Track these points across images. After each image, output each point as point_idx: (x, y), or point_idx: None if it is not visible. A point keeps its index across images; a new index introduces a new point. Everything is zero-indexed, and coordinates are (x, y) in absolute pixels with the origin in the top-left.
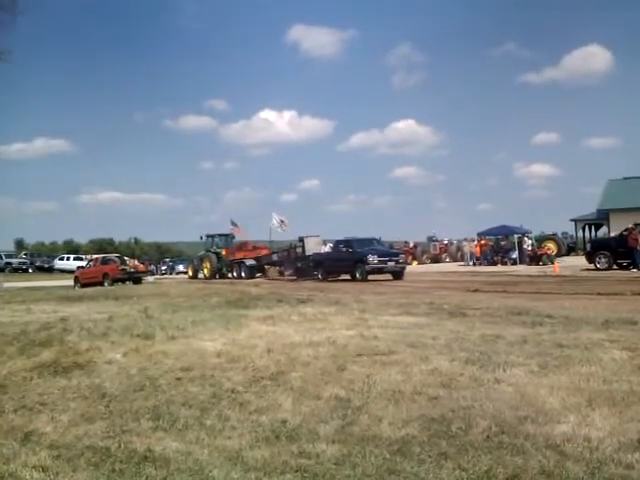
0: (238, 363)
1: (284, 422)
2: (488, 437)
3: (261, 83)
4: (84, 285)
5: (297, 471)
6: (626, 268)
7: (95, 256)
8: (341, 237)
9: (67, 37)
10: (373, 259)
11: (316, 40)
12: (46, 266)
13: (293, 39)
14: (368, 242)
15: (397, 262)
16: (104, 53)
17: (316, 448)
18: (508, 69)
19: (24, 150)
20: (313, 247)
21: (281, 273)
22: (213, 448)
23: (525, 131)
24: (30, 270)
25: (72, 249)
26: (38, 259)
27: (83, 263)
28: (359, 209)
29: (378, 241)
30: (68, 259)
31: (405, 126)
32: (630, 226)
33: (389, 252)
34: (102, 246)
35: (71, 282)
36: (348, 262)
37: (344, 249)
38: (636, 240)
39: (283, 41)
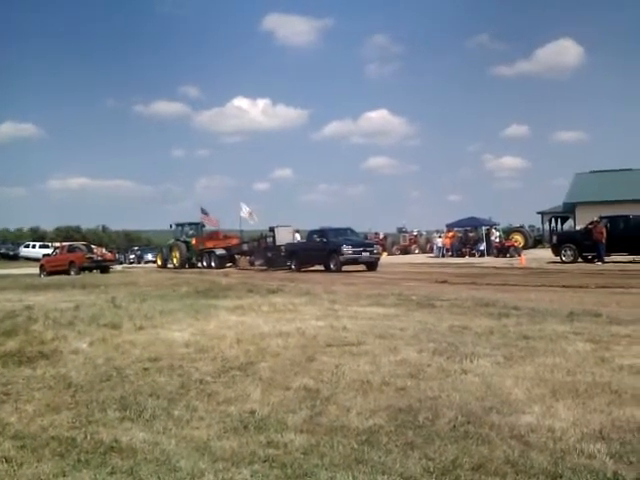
0: (207, 353)
1: (252, 412)
2: (454, 427)
3: (235, 70)
4: (50, 273)
5: (265, 461)
6: (591, 261)
7: (61, 244)
8: (313, 227)
9: (37, 21)
10: (347, 249)
11: (291, 28)
12: (11, 254)
13: (268, 27)
14: (342, 232)
15: (371, 253)
16: (75, 37)
17: (284, 438)
18: (481, 61)
19: None
20: (284, 237)
21: (251, 263)
22: (181, 438)
23: (497, 123)
24: None
25: (38, 236)
26: (3, 246)
27: (49, 251)
28: (331, 199)
29: (352, 231)
30: (34, 247)
31: (379, 116)
32: (595, 219)
33: (364, 242)
34: (69, 234)
35: (37, 270)
36: (322, 252)
37: (318, 239)
38: (601, 233)
39: (258, 29)
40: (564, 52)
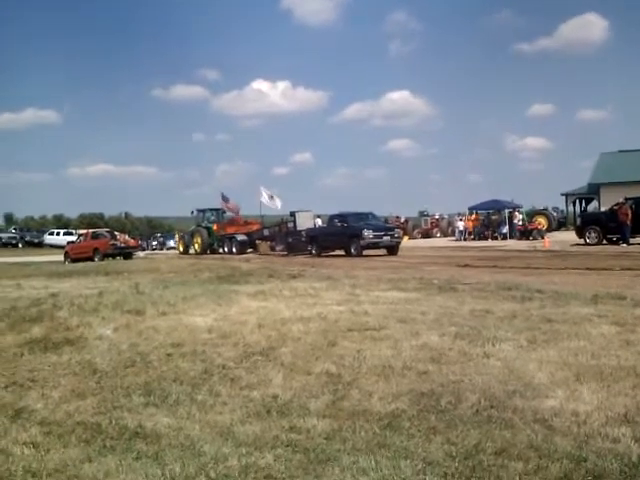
0: (229, 339)
1: (275, 397)
2: (477, 411)
3: (254, 52)
4: (74, 260)
5: (288, 446)
6: (615, 243)
7: (85, 231)
8: (333, 211)
9: (56, 8)
10: (368, 234)
11: (310, 6)
12: (36, 241)
13: (286, 6)
14: (364, 217)
15: (392, 237)
16: (94, 23)
17: (307, 423)
18: (504, 38)
19: (13, 120)
20: (304, 222)
21: (272, 248)
22: (204, 423)
23: (520, 103)
24: (20, 245)
25: (62, 224)
26: (28, 234)
27: (73, 238)
28: (351, 182)
29: (373, 215)
30: (58, 234)
31: (400, 97)
32: (620, 200)
33: (384, 227)
34: (92, 221)
35: (61, 257)
36: (343, 237)
37: (339, 224)
38: (626, 215)
39: (277, 7)
40: (589, 27)
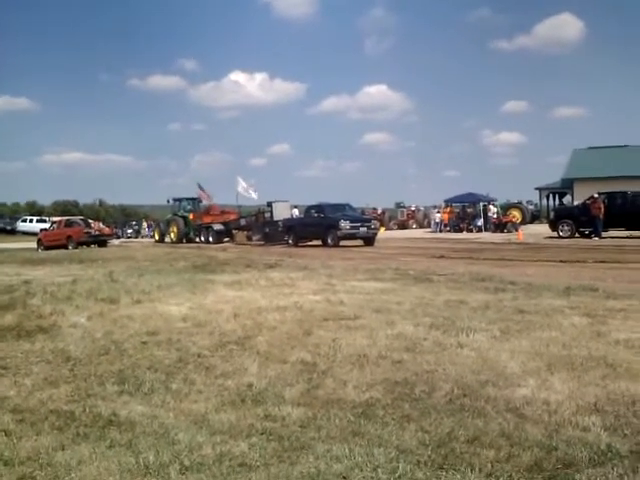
0: (204, 327)
1: (250, 386)
2: (450, 400)
3: (232, 43)
4: (47, 248)
5: (263, 434)
6: (588, 236)
7: (59, 218)
8: (310, 202)
9: None
10: (345, 225)
11: (288, 0)
12: (8, 228)
13: None
14: (340, 207)
15: (369, 228)
16: (69, 9)
17: (282, 411)
18: (481, 36)
19: None
20: (281, 212)
21: (249, 238)
22: (179, 412)
23: (495, 99)
24: None
25: (35, 211)
26: (0, 221)
27: (46, 225)
28: (328, 175)
29: (350, 207)
30: (31, 221)
31: (377, 91)
32: (595, 195)
33: (361, 218)
34: (66, 208)
35: (34, 245)
36: (320, 227)
37: (316, 214)
38: (599, 209)
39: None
40: (564, 27)
